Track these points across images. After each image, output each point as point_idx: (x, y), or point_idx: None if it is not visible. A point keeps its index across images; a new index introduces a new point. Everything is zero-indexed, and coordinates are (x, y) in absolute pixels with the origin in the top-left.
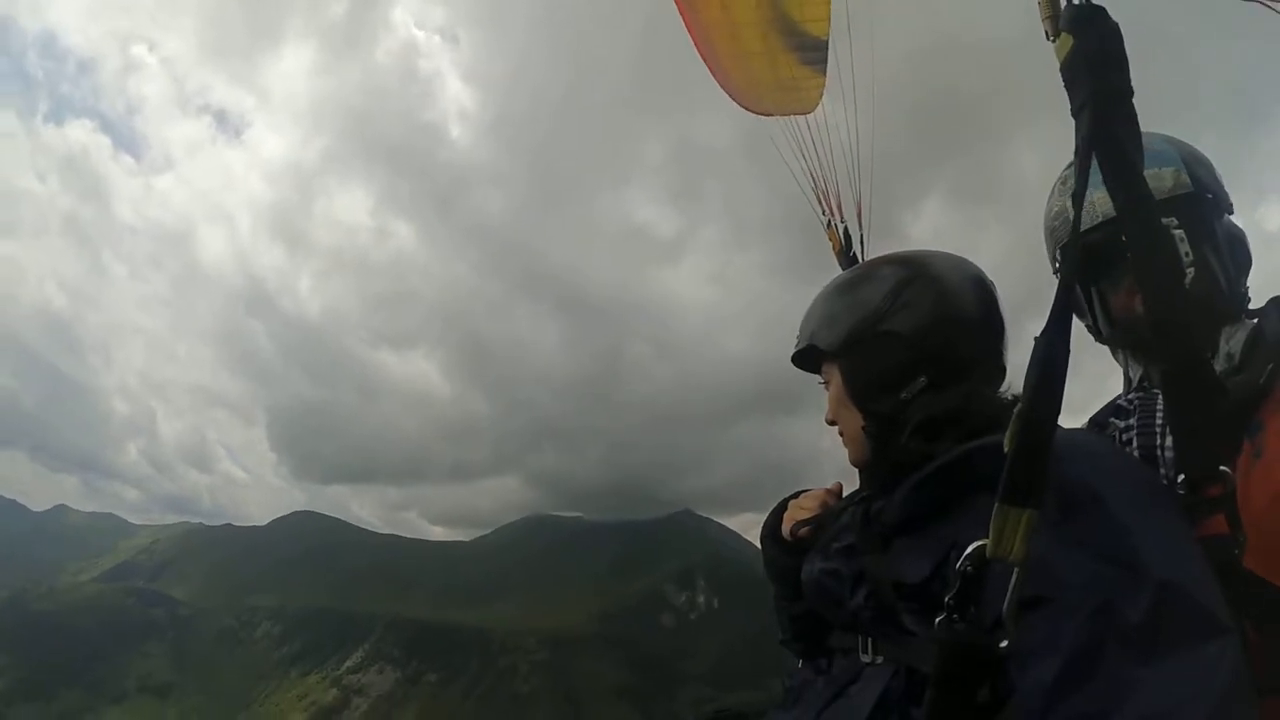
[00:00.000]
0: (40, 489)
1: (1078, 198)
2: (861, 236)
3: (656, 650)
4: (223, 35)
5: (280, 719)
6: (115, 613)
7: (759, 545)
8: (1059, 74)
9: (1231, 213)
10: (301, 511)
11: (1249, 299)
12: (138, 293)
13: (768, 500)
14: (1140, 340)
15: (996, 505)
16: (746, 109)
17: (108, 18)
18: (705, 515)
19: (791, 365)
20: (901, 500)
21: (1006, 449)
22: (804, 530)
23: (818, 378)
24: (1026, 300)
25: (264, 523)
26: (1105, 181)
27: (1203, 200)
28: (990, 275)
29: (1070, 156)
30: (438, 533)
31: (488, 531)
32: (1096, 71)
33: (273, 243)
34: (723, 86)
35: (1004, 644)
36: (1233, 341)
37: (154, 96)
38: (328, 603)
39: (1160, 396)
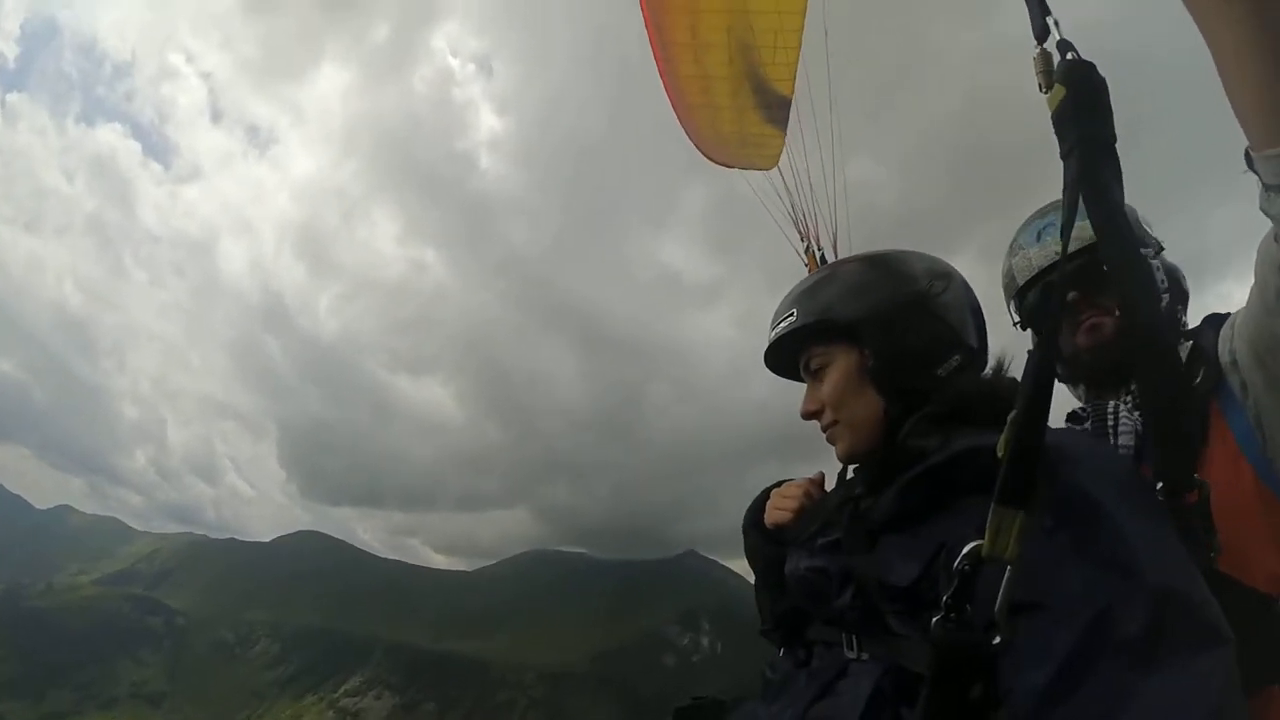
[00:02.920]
0: (45, 487)
1: (1066, 228)
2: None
3: (655, 692)
4: (263, 52)
5: None
6: (112, 617)
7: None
8: (1051, 121)
9: (1161, 250)
10: (306, 531)
11: (1185, 324)
12: (156, 299)
13: None
14: (1078, 369)
15: (992, 506)
16: (710, 159)
17: (147, 24)
18: (711, 557)
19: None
20: (891, 499)
21: (1001, 452)
22: (787, 519)
23: (787, 373)
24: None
25: (267, 539)
26: (1090, 218)
27: None
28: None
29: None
30: (440, 561)
31: (490, 562)
32: (1084, 120)
33: (296, 260)
34: (690, 137)
35: (996, 641)
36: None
37: (187, 106)
38: (327, 624)
39: (1110, 404)
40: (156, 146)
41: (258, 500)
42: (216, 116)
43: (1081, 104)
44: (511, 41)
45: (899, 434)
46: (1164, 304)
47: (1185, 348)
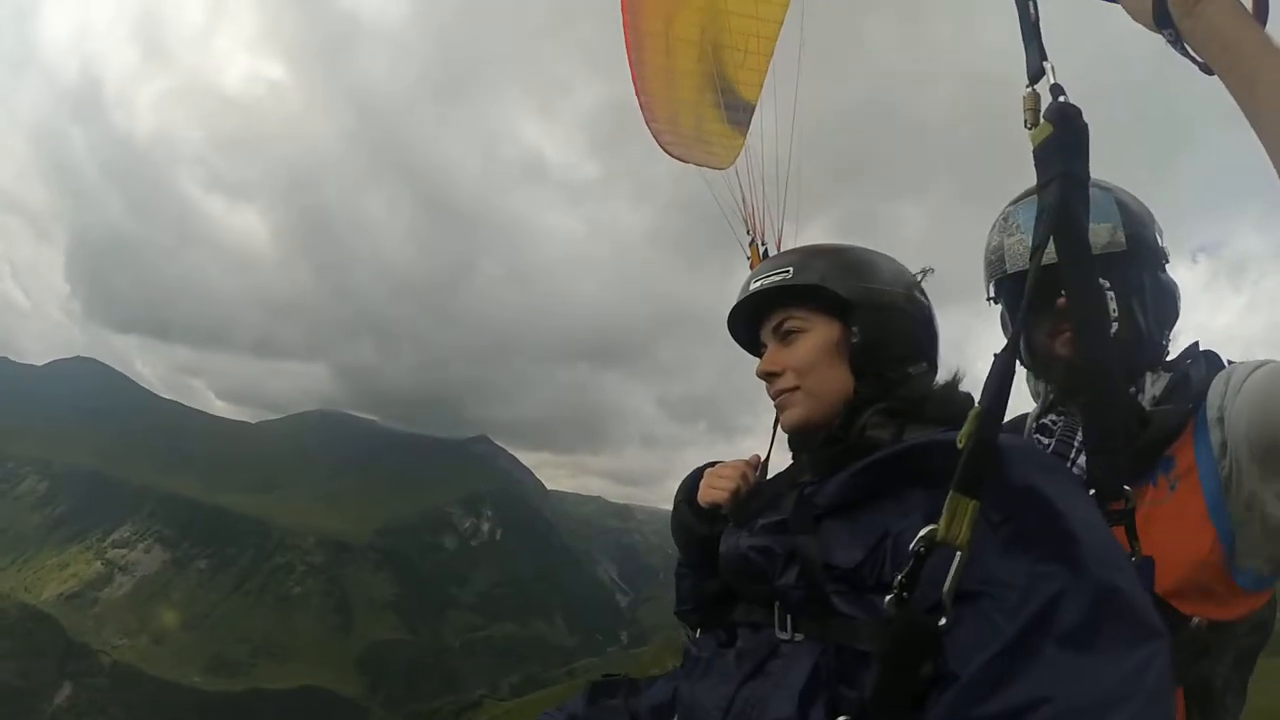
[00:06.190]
0: None
1: (1036, 251)
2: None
3: (433, 570)
4: None
5: (38, 588)
6: None
7: (563, 490)
8: (1032, 154)
9: (1167, 261)
10: (82, 357)
11: (1169, 350)
12: None
13: (568, 443)
14: (1051, 373)
15: (950, 493)
16: (665, 151)
17: None
18: (502, 445)
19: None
20: (839, 485)
21: (961, 445)
22: (723, 498)
23: (755, 332)
24: None
25: (40, 363)
26: (1056, 246)
27: (1134, 257)
28: None
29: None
30: (220, 408)
31: (275, 416)
32: (1066, 158)
33: (128, 43)
34: (649, 125)
35: (942, 621)
36: (1157, 385)
37: None
38: (99, 465)
39: (1080, 422)
40: None
41: (33, 314)
42: None
43: (1065, 144)
44: None
45: (857, 422)
46: (1144, 326)
47: (1162, 379)
